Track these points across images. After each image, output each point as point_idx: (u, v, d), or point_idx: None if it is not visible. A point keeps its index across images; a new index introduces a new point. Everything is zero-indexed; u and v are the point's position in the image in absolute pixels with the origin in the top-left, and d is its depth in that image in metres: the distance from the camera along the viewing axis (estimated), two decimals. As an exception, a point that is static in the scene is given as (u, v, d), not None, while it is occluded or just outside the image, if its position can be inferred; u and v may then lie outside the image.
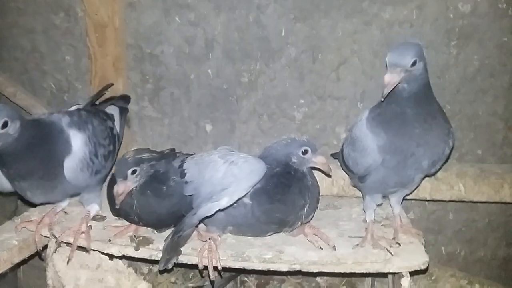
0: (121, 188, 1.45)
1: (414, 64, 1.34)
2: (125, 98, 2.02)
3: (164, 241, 1.44)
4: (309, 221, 1.59)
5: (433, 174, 1.68)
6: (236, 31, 1.97)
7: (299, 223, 1.52)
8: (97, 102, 1.92)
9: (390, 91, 1.37)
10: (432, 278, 1.97)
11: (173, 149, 1.93)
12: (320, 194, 1.86)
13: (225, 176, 1.39)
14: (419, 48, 1.38)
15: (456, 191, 1.84)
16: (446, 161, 1.54)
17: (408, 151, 1.41)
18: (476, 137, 1.97)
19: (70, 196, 1.67)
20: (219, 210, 1.39)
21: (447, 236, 2.11)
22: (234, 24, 1.96)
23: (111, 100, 1.94)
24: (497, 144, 1.98)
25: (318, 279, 1.97)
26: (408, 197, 1.87)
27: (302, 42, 1.95)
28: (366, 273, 1.47)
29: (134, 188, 1.49)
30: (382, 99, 1.40)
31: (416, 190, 1.84)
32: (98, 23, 1.99)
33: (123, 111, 1.95)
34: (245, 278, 2.03)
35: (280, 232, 1.56)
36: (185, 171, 1.50)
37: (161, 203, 1.50)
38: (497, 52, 1.86)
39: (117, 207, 1.51)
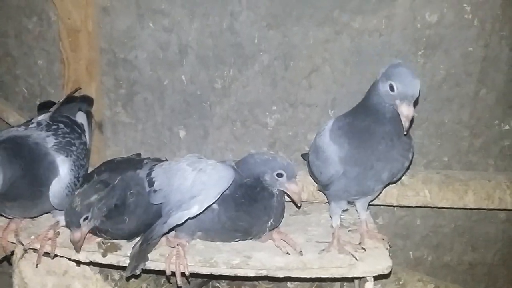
0: (77, 236, 1.42)
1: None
2: (88, 100, 2.01)
3: (132, 248, 1.44)
4: (277, 227, 1.61)
5: (395, 182, 1.71)
6: (210, 38, 1.98)
7: (264, 234, 1.54)
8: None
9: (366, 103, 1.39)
10: (400, 282, 2.00)
11: (139, 154, 1.94)
12: (290, 200, 1.91)
13: (194, 184, 1.40)
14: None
15: (421, 197, 1.88)
16: (407, 170, 1.57)
17: (367, 164, 1.43)
18: (442, 144, 2.02)
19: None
20: (189, 218, 1.40)
21: (415, 241, 2.16)
22: (208, 30, 1.97)
23: (74, 102, 1.93)
24: (463, 151, 2.02)
25: (288, 284, 1.99)
26: (375, 203, 1.91)
27: (274, 49, 1.97)
28: (332, 277, 1.49)
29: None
30: (405, 133, 1.40)
31: (383, 196, 1.89)
32: (71, 27, 1.98)
33: (90, 116, 1.95)
34: (217, 284, 2.04)
35: (245, 240, 1.57)
36: (154, 180, 1.50)
37: (126, 223, 1.50)
38: (463, 61, 1.91)
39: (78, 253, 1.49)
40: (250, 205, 1.45)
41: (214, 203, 1.42)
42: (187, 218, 1.39)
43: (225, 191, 1.42)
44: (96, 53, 2.05)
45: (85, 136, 1.80)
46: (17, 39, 2.13)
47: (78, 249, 1.46)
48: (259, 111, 2.06)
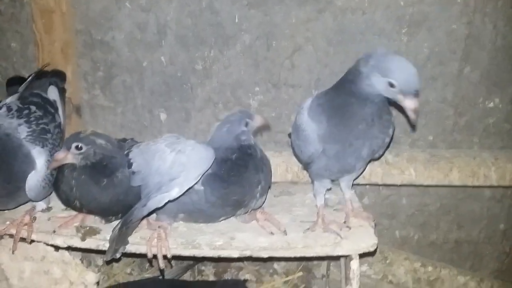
0: (60, 156, 1.41)
1: None
2: (60, 74, 1.92)
3: (112, 231, 1.40)
4: (261, 207, 1.59)
5: (378, 158, 1.70)
6: (189, 17, 1.93)
7: (254, 201, 1.50)
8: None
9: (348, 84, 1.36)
10: (387, 261, 2.02)
11: (125, 139, 1.89)
12: (275, 181, 1.88)
13: (173, 165, 1.36)
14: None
15: (407, 175, 1.87)
16: (388, 146, 1.55)
17: (346, 142, 1.41)
18: (427, 123, 2.00)
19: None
20: (169, 201, 1.37)
21: (401, 220, 2.15)
22: (187, 9, 1.92)
23: (45, 77, 1.83)
24: (448, 130, 2.01)
25: (275, 265, 1.99)
26: (361, 182, 1.90)
27: (256, 28, 1.93)
28: (318, 256, 1.48)
29: (74, 168, 1.44)
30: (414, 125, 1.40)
31: (368, 175, 1.88)
32: (44, 8, 1.92)
33: (62, 91, 1.87)
34: (203, 267, 2.02)
35: (235, 214, 1.54)
36: (131, 161, 1.46)
37: (101, 192, 1.45)
38: (447, 39, 1.89)
39: (48, 171, 1.47)
40: (240, 174, 1.43)
41: (195, 184, 1.39)
42: (167, 201, 1.36)
43: (206, 171, 1.39)
44: (71, 35, 1.99)
45: (58, 115, 1.72)
46: (-12, 21, 2.05)
47: (50, 168, 1.44)
48: (241, 92, 2.03)
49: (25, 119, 1.54)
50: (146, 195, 1.38)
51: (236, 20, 1.92)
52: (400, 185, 1.94)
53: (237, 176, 1.43)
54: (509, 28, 1.87)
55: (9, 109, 1.57)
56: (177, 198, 1.37)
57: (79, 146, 1.42)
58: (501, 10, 1.85)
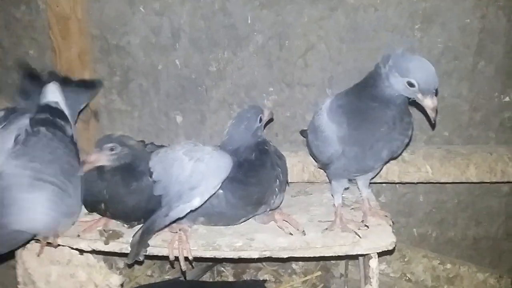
0: (93, 157, 1.42)
1: None
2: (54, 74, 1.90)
3: (133, 235, 1.42)
4: (279, 207, 1.60)
5: (396, 158, 1.71)
6: (202, 20, 1.95)
7: (274, 198, 1.51)
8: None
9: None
10: (405, 259, 2.01)
11: (143, 141, 1.91)
12: (291, 181, 1.89)
13: (192, 174, 1.37)
14: None
15: (423, 173, 1.87)
16: (407, 146, 1.56)
17: (367, 145, 1.42)
18: (442, 119, 1.99)
19: None
20: (191, 211, 1.39)
21: (418, 218, 2.15)
22: (200, 12, 1.94)
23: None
24: (463, 126, 2.00)
25: (293, 265, 2.00)
26: (377, 181, 1.90)
27: (268, 29, 1.94)
28: (336, 256, 1.49)
29: (104, 170, 1.46)
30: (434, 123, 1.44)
31: (384, 174, 1.88)
32: (60, 15, 1.94)
33: (66, 82, 1.87)
34: (222, 268, 2.04)
35: (255, 213, 1.55)
36: (151, 170, 1.48)
37: (130, 195, 1.47)
38: (460, 34, 1.88)
39: (81, 173, 1.47)
40: (258, 174, 1.44)
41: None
42: (188, 211, 1.38)
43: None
44: (88, 40, 2.01)
45: (68, 124, 1.70)
46: (6, 29, 2.08)
47: (84, 169, 1.44)
48: (255, 93, 2.03)
49: (30, 158, 1.46)
50: (166, 203, 1.39)
51: (249, 21, 1.93)
52: (417, 183, 1.94)
53: (256, 175, 1.44)
54: (524, 22, 1.86)
55: (16, 142, 1.50)
56: (198, 207, 1.39)
57: (113, 147, 1.44)
58: (516, 5, 1.83)
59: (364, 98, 1.40)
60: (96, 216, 1.59)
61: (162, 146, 1.72)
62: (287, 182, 1.60)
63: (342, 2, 1.87)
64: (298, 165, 1.93)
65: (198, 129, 2.11)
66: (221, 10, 1.93)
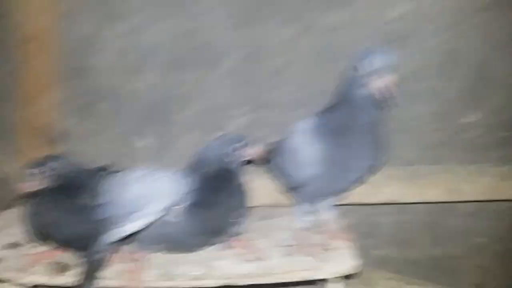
0: (25, 184, 1.39)
1: None
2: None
3: (82, 266, 1.35)
4: (241, 233, 1.56)
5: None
6: (172, 41, 1.93)
7: (232, 227, 1.49)
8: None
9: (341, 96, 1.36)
10: (368, 281, 1.99)
11: (104, 167, 1.83)
12: (256, 205, 1.85)
13: (137, 198, 1.31)
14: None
15: (385, 194, 1.88)
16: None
17: (345, 165, 1.42)
18: (404, 140, 2.00)
19: None
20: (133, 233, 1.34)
21: (381, 239, 2.15)
22: (169, 33, 1.92)
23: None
24: (426, 146, 2.03)
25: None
26: (340, 203, 1.89)
27: (240, 49, 1.93)
28: (302, 281, 1.44)
29: (38, 196, 1.42)
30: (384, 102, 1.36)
31: (347, 195, 1.86)
32: (24, 36, 1.89)
33: None
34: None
35: (215, 242, 1.51)
36: (102, 192, 1.42)
37: (66, 217, 1.41)
38: (423, 56, 1.92)
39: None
40: (216, 202, 1.43)
41: (174, 212, 1.35)
42: (127, 234, 1.33)
43: (176, 204, 1.34)
44: (51, 63, 1.96)
45: None
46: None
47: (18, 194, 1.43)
48: (225, 114, 2.02)
49: None
50: (110, 227, 1.33)
51: (220, 42, 1.93)
52: (378, 204, 1.94)
53: (213, 202, 1.42)
54: (484, 45, 1.92)
55: None
56: (138, 231, 1.34)
57: (37, 170, 1.40)
58: (476, 28, 1.90)
59: (333, 113, 1.41)
60: (42, 248, 1.50)
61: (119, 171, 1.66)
62: (247, 213, 1.57)
63: (313, 23, 1.89)
64: (262, 189, 1.88)
65: (163, 152, 2.07)
66: (190, 31, 1.91)
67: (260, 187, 1.87)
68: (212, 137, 1.97)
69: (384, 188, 1.87)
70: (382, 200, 1.90)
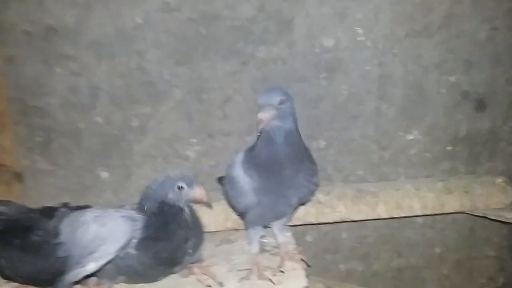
0: None
1: (282, 102, 1.44)
2: None
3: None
4: (200, 259, 1.63)
5: (304, 204, 1.80)
6: (120, 78, 2.01)
7: (188, 257, 1.53)
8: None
9: (262, 132, 1.45)
10: (334, 295, 2.07)
11: (67, 204, 1.88)
12: (215, 230, 1.93)
13: (93, 239, 1.39)
14: (283, 90, 1.48)
15: (338, 212, 1.95)
16: (313, 194, 1.66)
17: (279, 193, 1.50)
18: (354, 159, 2.12)
19: None
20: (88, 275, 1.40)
21: (344, 254, 2.23)
22: (117, 71, 2.00)
23: None
24: (374, 164, 2.14)
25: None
26: (297, 223, 1.97)
27: (185, 84, 2.02)
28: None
29: None
30: (259, 134, 1.47)
31: (303, 216, 1.95)
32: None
33: None
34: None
35: (172, 272, 1.56)
36: (59, 232, 1.48)
37: (24, 257, 1.47)
38: (362, 80, 2.04)
39: None
40: (166, 231, 1.46)
41: (130, 247, 1.42)
42: (84, 275, 1.39)
43: (127, 243, 1.42)
44: (5, 103, 2.02)
45: None
46: None
47: None
48: (178, 145, 2.10)
49: None
50: (69, 267, 1.39)
51: (166, 78, 2.01)
52: (332, 223, 2.02)
53: (165, 236, 1.47)
54: (416, 66, 2.05)
55: None
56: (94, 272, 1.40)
57: None
58: (407, 50, 2.02)
59: (259, 146, 1.50)
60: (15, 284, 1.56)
61: (79, 207, 1.72)
62: (202, 243, 1.62)
63: (252, 56, 2.00)
64: (221, 213, 1.96)
65: (124, 184, 2.13)
66: (138, 69, 2.00)
67: (220, 212, 1.96)
68: (172, 165, 2.09)
69: (336, 207, 1.95)
70: (337, 219, 1.97)
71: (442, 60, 2.05)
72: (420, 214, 1.98)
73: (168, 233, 1.47)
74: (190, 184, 1.48)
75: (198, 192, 1.48)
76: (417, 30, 2.00)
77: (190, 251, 1.52)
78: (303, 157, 1.52)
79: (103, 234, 1.38)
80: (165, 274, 1.56)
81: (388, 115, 2.08)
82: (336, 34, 1.98)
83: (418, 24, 2.00)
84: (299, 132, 1.51)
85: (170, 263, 1.51)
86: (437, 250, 2.27)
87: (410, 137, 2.12)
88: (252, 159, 1.53)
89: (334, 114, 2.06)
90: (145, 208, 1.48)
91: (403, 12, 1.98)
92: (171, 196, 1.48)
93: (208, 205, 1.58)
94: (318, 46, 1.99)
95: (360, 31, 1.98)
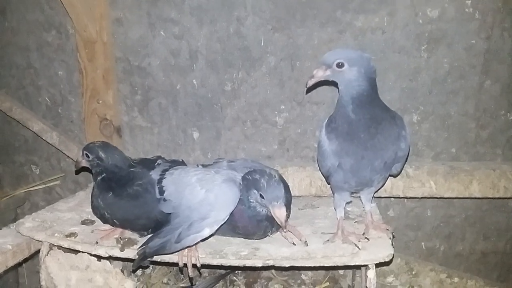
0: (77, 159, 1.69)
1: (339, 66, 1.43)
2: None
3: (140, 246, 1.53)
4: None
5: (396, 175, 1.76)
6: (218, 42, 2.08)
7: (268, 232, 1.61)
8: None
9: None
10: (413, 272, 2.05)
11: (160, 157, 2.00)
12: (299, 195, 1.97)
13: (202, 203, 1.47)
14: (351, 55, 1.46)
15: (427, 188, 1.92)
16: (405, 161, 1.62)
17: (358, 154, 1.49)
18: (449, 136, 2.05)
19: None
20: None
21: (426, 232, 2.19)
22: (216, 35, 2.08)
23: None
24: (470, 143, 2.05)
25: (303, 276, 2.06)
26: (383, 195, 1.96)
27: (280, 51, 2.05)
28: (343, 266, 1.52)
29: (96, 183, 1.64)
30: (306, 87, 1.53)
31: (389, 189, 1.94)
32: (87, 39, 2.12)
33: None
34: (234, 277, 2.12)
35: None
36: (164, 189, 1.58)
37: (125, 205, 1.60)
38: (466, 54, 1.95)
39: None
40: (252, 220, 1.54)
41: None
42: (199, 240, 1.48)
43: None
44: (112, 62, 2.18)
45: None
46: (38, 52, 2.28)
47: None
48: (268, 111, 2.14)
49: None
50: (176, 224, 1.49)
51: (262, 44, 2.06)
52: (421, 198, 1.98)
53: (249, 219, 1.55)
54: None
55: None
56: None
57: (86, 154, 1.63)
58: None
59: (338, 109, 1.52)
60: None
61: (173, 161, 1.82)
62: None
63: (350, 25, 1.97)
64: (306, 179, 2.01)
65: (214, 144, 2.23)
66: (236, 34, 2.06)
67: (305, 177, 2.01)
68: (260, 130, 2.15)
69: (426, 182, 1.91)
70: (425, 194, 1.94)
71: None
72: (516, 196, 1.88)
73: (254, 224, 1.56)
74: (271, 200, 1.45)
75: (276, 212, 1.45)
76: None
77: (269, 233, 1.61)
78: (382, 120, 1.49)
79: (211, 200, 1.46)
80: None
81: (491, 92, 1.98)
82: (442, 4, 1.90)
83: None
84: (375, 95, 1.49)
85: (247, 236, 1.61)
86: (528, 237, 2.15)
87: (512, 117, 2.01)
88: (332, 123, 1.55)
89: (432, 87, 1.99)
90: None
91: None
92: (252, 198, 1.51)
93: (283, 226, 1.51)
94: (421, 16, 1.92)
95: (468, 2, 1.89)
